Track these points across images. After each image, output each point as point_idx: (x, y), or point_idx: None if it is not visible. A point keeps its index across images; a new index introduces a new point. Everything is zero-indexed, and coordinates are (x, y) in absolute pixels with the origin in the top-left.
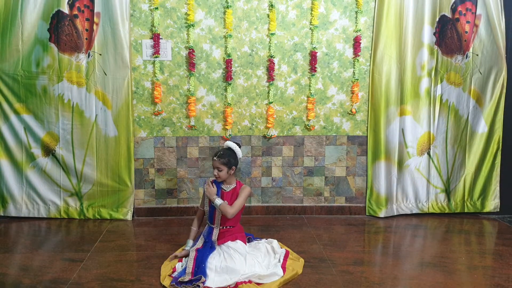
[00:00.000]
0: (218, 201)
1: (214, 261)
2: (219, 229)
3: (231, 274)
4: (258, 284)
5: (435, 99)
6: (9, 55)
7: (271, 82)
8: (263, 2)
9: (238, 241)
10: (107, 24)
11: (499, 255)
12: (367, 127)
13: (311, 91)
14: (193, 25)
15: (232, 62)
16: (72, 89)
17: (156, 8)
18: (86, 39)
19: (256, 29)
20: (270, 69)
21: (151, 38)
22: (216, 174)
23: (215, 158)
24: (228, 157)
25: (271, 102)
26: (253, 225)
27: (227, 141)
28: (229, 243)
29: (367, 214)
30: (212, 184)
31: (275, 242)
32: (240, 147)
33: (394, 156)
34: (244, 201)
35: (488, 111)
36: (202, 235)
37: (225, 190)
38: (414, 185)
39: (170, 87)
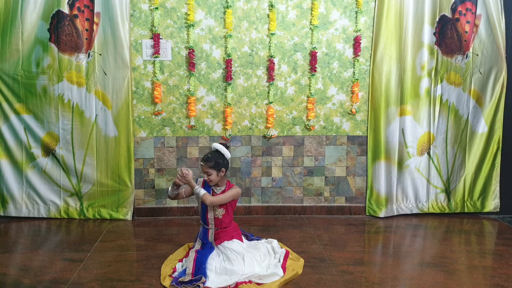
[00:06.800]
0: (200, 190)
1: (213, 262)
2: (214, 230)
3: (231, 275)
4: (258, 284)
5: (435, 99)
6: (9, 55)
7: (271, 82)
8: (263, 2)
9: (234, 240)
10: (107, 24)
11: (499, 255)
12: (367, 127)
13: (311, 91)
14: (193, 25)
15: (232, 62)
16: (72, 89)
17: (156, 8)
18: (86, 39)
19: (256, 29)
20: (270, 69)
21: (151, 38)
22: (207, 178)
23: (201, 163)
24: (215, 160)
25: (271, 102)
26: (253, 225)
27: (214, 143)
28: (226, 243)
29: (367, 214)
30: (187, 170)
31: (275, 242)
32: (228, 148)
33: (394, 156)
34: (230, 198)
35: (488, 111)
36: (198, 238)
37: (216, 192)
38: (414, 185)
39: (170, 87)
